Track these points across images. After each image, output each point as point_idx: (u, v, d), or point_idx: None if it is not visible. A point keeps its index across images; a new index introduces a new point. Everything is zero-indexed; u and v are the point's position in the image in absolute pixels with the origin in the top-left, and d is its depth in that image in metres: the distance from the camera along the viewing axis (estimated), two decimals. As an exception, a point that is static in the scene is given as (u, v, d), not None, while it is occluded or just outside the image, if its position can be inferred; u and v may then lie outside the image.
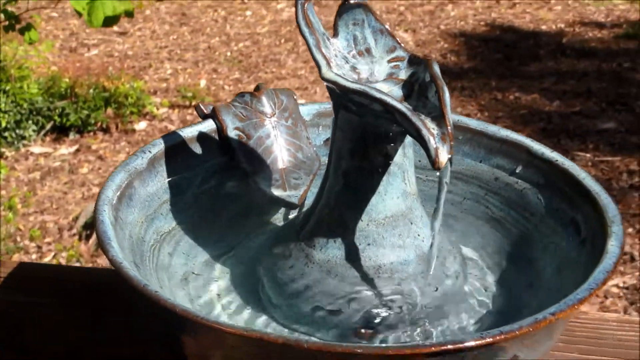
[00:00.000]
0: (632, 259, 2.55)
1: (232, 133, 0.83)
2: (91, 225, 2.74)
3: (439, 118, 0.65)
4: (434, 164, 0.64)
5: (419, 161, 0.86)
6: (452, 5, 4.33)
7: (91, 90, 3.36)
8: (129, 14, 2.42)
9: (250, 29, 4.10)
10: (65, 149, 3.13)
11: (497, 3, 4.35)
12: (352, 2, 0.72)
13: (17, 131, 3.25)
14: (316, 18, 0.71)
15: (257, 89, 0.85)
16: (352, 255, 0.73)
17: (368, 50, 0.73)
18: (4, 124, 3.21)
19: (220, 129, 0.83)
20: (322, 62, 0.68)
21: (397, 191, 0.73)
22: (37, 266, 1.23)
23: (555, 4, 4.33)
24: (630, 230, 2.64)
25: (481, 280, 0.80)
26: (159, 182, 0.80)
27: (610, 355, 0.82)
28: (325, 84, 0.69)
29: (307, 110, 0.89)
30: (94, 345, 0.83)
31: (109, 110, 3.29)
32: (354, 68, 0.72)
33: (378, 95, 0.66)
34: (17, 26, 2.55)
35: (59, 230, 2.67)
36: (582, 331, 0.85)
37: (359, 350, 0.60)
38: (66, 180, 2.93)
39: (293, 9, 4.32)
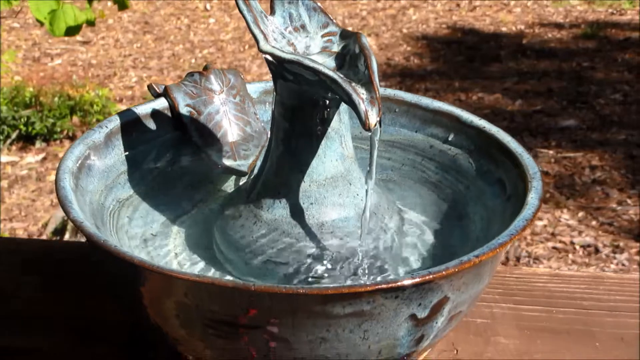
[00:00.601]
0: (597, 250, 2.63)
1: (183, 110, 0.90)
2: (61, 231, 2.80)
3: (368, 84, 0.73)
4: (364, 124, 0.71)
5: (360, 132, 0.94)
6: (414, 9, 4.42)
7: (56, 99, 3.42)
8: (91, 23, 2.49)
9: (214, 36, 4.17)
10: (32, 157, 3.19)
11: (457, 6, 4.44)
12: (286, -18, 0.80)
13: (-17, 140, 3.30)
14: (254, -4, 0.78)
15: (205, 68, 0.92)
16: (297, 214, 0.80)
17: (303, 27, 0.81)
18: (-31, 134, 3.26)
19: (173, 106, 0.90)
20: (260, 37, 0.76)
21: (335, 154, 0.81)
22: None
23: (514, 6, 4.43)
24: (593, 223, 2.73)
25: (419, 236, 0.88)
26: (116, 155, 0.87)
27: (542, 305, 0.90)
28: (263, 56, 0.77)
29: (254, 88, 0.96)
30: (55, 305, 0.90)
31: (75, 119, 3.35)
32: (290, 42, 0.80)
33: (311, 64, 0.73)
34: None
35: (29, 237, 2.73)
36: (517, 284, 0.93)
37: (301, 291, 0.67)
38: (34, 188, 2.99)
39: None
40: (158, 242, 0.85)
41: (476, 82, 3.68)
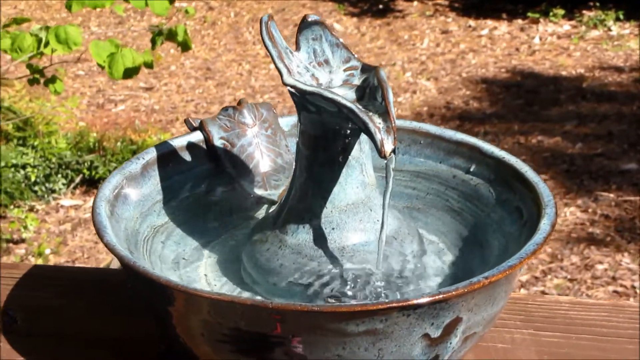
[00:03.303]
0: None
1: (217, 142, 0.96)
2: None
3: (385, 114, 0.78)
4: (380, 152, 0.76)
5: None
6: (473, 53, 4.46)
7: (119, 144, 3.51)
8: (148, 66, 2.57)
9: (274, 81, 4.25)
10: (94, 201, 3.26)
11: (516, 51, 4.47)
12: (309, 19, 0.86)
13: (47, 185, 3.39)
14: (278, 34, 0.84)
15: (239, 103, 0.98)
16: (319, 239, 0.85)
17: (327, 61, 0.86)
18: (33, 178, 3.35)
19: (207, 139, 0.96)
20: (284, 70, 0.81)
21: (356, 182, 0.86)
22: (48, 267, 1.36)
23: (574, 50, 4.45)
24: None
25: (440, 260, 0.92)
26: (152, 185, 0.93)
27: (563, 332, 0.93)
28: (287, 88, 0.82)
29: (285, 122, 1.02)
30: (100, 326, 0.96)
31: (137, 163, 3.43)
32: (314, 76, 0.85)
33: (330, 95, 0.78)
34: (42, 79, 2.71)
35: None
36: (539, 311, 0.96)
37: (315, 308, 0.72)
38: (95, 230, 3.06)
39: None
40: (189, 266, 0.91)
41: (535, 125, 3.70)
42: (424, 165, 0.98)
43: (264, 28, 0.83)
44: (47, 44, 2.51)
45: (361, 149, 0.85)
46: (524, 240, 0.83)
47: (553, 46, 4.50)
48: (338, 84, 0.85)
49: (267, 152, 0.97)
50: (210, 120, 0.96)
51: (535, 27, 4.72)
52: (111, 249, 0.79)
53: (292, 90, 0.81)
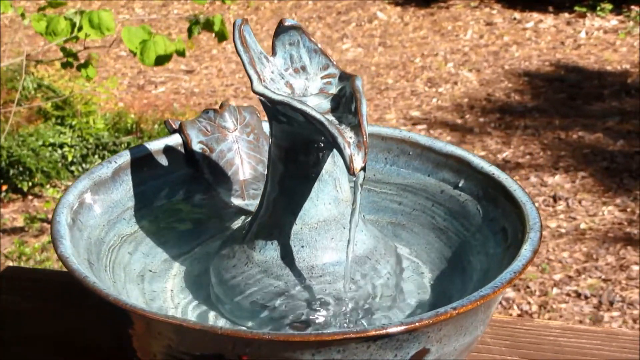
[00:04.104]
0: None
1: (196, 147, 0.90)
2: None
3: (357, 128, 0.72)
4: (348, 169, 0.71)
5: (374, 175, 0.93)
6: (517, 46, 4.38)
7: (156, 126, 3.48)
8: (180, 54, 2.53)
9: (315, 68, 4.19)
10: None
11: (561, 44, 4.38)
12: (287, 24, 0.80)
13: (84, 165, 3.38)
14: (253, 38, 0.78)
15: (221, 106, 0.92)
16: (287, 257, 0.80)
17: (303, 68, 0.80)
18: (70, 158, 3.34)
19: (186, 143, 0.90)
20: (254, 77, 0.76)
21: (328, 197, 0.80)
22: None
23: (620, 46, 4.35)
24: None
25: (418, 283, 0.86)
26: (124, 191, 0.88)
27: (550, 359, 0.88)
28: (257, 97, 0.77)
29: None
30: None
31: (173, 146, 3.41)
32: (288, 83, 0.79)
33: (298, 105, 0.73)
34: (75, 63, 2.68)
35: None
36: (526, 337, 0.91)
37: (266, 337, 0.67)
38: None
39: (358, 49, 4.41)
40: (156, 279, 0.85)
41: (577, 120, 3.62)
42: (412, 178, 0.92)
43: (236, 32, 0.78)
44: (80, 28, 2.49)
45: (335, 163, 0.80)
46: (506, 264, 0.77)
47: (599, 41, 4.40)
48: (314, 92, 0.79)
49: (248, 158, 0.92)
50: (190, 122, 0.91)
51: (581, 21, 4.61)
52: (64, 261, 0.74)
53: (262, 98, 0.76)
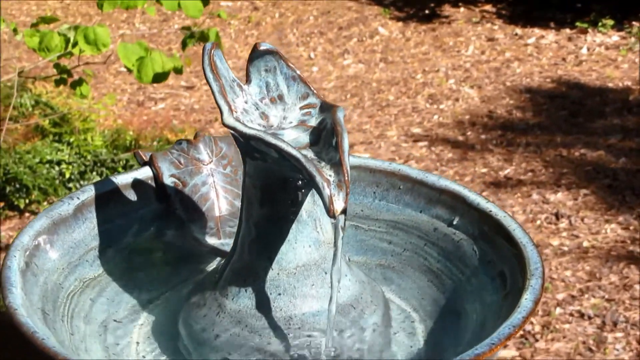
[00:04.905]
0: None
1: (167, 180, 0.82)
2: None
3: (337, 165, 0.64)
4: (328, 211, 0.62)
5: (361, 210, 0.84)
6: (518, 62, 4.28)
7: (155, 143, 3.40)
8: (178, 71, 2.45)
9: (316, 84, 4.11)
10: (125, 200, 3.16)
11: (563, 61, 4.29)
12: (262, 48, 0.71)
13: (82, 182, 3.29)
14: (225, 64, 0.70)
15: (195, 136, 0.84)
16: (263, 305, 0.71)
17: (281, 97, 0.72)
18: (68, 175, 3.25)
19: (157, 176, 0.82)
20: (225, 108, 0.67)
21: (307, 240, 0.71)
22: None
23: (622, 62, 4.26)
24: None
25: (409, 334, 0.77)
26: (87, 229, 0.79)
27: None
28: (229, 131, 0.68)
29: (249, 159, 0.87)
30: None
31: (171, 163, 3.32)
32: (264, 115, 0.70)
33: (272, 140, 0.64)
34: (70, 80, 2.60)
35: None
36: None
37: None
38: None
39: (359, 65, 4.33)
40: (120, 330, 0.76)
41: (579, 137, 3.53)
42: (403, 214, 0.83)
43: (206, 57, 0.69)
44: (75, 44, 2.41)
45: (315, 202, 0.71)
46: (504, 314, 0.68)
47: (601, 57, 4.31)
48: (292, 124, 0.70)
49: (224, 193, 0.83)
50: (161, 155, 0.82)
51: (583, 37, 4.52)
52: (11, 313, 0.65)
53: (233, 132, 0.67)
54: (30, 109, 3.53)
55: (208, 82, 0.68)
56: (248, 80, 0.72)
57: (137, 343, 0.75)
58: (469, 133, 3.58)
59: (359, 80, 4.14)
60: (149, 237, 0.82)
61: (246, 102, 0.70)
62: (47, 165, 3.24)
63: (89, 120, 3.44)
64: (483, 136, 3.57)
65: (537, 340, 2.40)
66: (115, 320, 0.77)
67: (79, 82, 2.57)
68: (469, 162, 3.33)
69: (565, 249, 2.84)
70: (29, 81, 3.58)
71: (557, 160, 3.35)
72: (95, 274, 0.78)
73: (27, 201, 3.20)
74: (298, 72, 0.72)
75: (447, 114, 3.76)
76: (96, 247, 0.79)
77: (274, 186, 0.69)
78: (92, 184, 0.80)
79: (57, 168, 3.24)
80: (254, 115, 0.70)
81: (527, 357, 2.32)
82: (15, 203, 3.17)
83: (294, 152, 0.63)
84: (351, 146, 3.48)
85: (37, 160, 3.22)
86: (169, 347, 0.75)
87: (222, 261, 0.76)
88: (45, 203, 3.16)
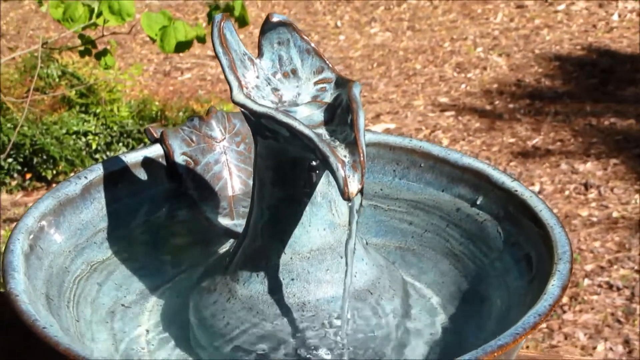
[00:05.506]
0: None
1: (179, 158, 0.78)
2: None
3: (353, 145, 0.60)
4: (342, 193, 0.58)
5: (380, 189, 0.80)
6: (548, 29, 4.21)
7: (180, 113, 3.37)
8: (201, 40, 2.41)
9: (343, 53, 4.06)
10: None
11: (593, 27, 4.21)
12: (274, 20, 0.67)
13: (108, 153, 3.27)
14: (235, 37, 0.66)
15: (208, 112, 0.80)
16: (275, 291, 0.67)
17: (294, 72, 0.68)
18: (94, 146, 3.24)
19: (168, 154, 0.78)
20: (234, 84, 0.63)
21: (322, 222, 0.67)
22: None
23: (654, 27, 4.18)
24: None
25: (430, 321, 0.73)
26: (95, 210, 0.75)
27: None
28: (239, 108, 0.64)
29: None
30: None
31: (197, 133, 3.29)
32: (276, 90, 0.66)
33: (284, 118, 0.60)
34: (94, 51, 2.57)
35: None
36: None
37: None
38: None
39: (386, 34, 4.28)
40: (129, 316, 0.72)
41: (609, 106, 3.47)
42: (424, 193, 0.79)
43: (215, 30, 0.65)
44: (99, 14, 2.38)
45: (329, 183, 0.67)
46: (530, 301, 0.64)
47: (632, 23, 4.22)
48: (306, 100, 0.66)
49: (238, 171, 0.79)
50: (173, 131, 0.79)
51: (614, 3, 4.44)
52: (12, 300, 0.62)
53: (243, 110, 0.63)
54: (57, 80, 3.51)
55: (217, 56, 0.64)
56: (260, 54, 0.68)
57: (147, 331, 0.72)
58: (496, 102, 3.53)
59: (386, 49, 4.08)
60: (160, 218, 0.78)
61: (257, 77, 0.66)
62: (74, 136, 3.23)
63: (115, 90, 3.41)
64: (511, 105, 3.51)
65: (564, 312, 2.36)
66: (123, 305, 0.73)
67: (103, 53, 2.55)
68: (497, 131, 3.28)
69: (594, 219, 2.79)
70: (56, 52, 3.56)
71: (586, 129, 3.29)
72: (104, 257, 0.74)
73: (54, 172, 3.19)
74: (313, 44, 0.67)
75: (475, 82, 3.70)
76: (104, 229, 0.75)
77: (287, 167, 0.66)
78: (101, 163, 0.77)
79: (83, 139, 3.23)
80: (266, 91, 0.66)
81: (555, 328, 2.28)
82: (43, 174, 3.16)
83: (307, 131, 0.59)
84: (377, 116, 3.44)
85: (63, 131, 3.21)
86: (178, 335, 0.71)
87: (234, 244, 0.73)
88: (72, 174, 3.14)
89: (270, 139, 0.64)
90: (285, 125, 0.60)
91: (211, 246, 0.79)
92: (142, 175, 0.78)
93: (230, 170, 0.78)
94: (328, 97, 0.65)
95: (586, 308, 2.47)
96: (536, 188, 2.87)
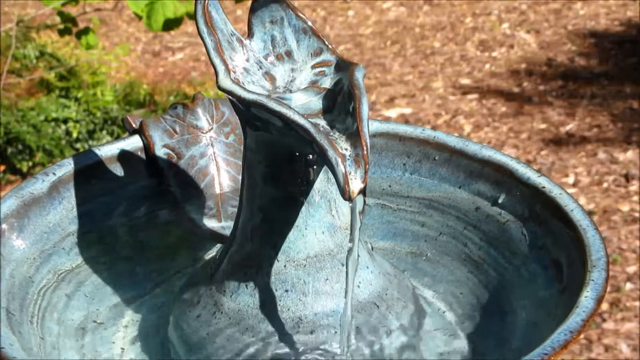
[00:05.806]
0: None
1: (160, 151, 0.77)
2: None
3: (355, 136, 0.58)
4: (343, 193, 0.57)
5: (389, 186, 0.79)
6: (582, 3, 4.20)
7: (171, 98, 3.37)
8: (191, 16, 2.41)
9: (352, 30, 4.06)
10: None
11: (633, 1, 4.20)
12: (266, -5, 0.66)
13: (90, 142, 3.27)
14: (222, 15, 0.65)
15: (193, 99, 0.79)
16: (267, 304, 0.66)
17: (289, 54, 0.66)
18: (75, 135, 3.23)
19: (148, 147, 0.77)
20: (220, 68, 0.62)
21: (320, 225, 0.66)
22: None
23: (702, 0, 4.18)
24: None
25: (444, 339, 0.72)
26: (64, 210, 0.74)
27: None
28: (226, 95, 0.62)
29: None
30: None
31: (189, 120, 3.30)
32: (269, 75, 0.65)
33: (277, 107, 0.59)
34: (75, 29, 2.57)
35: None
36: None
37: None
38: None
39: (400, 9, 4.27)
40: (101, 333, 0.71)
41: (651, 88, 3.47)
42: (438, 190, 0.78)
43: (199, 8, 0.64)
44: (81, -11, 2.38)
45: (329, 180, 0.65)
46: (560, 315, 0.63)
47: (677, -5, 4.23)
48: (302, 85, 0.65)
49: (226, 166, 0.78)
50: (153, 121, 0.78)
51: (656, -28, 4.44)
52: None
53: (231, 97, 0.62)
54: (34, 61, 3.51)
55: (201, 37, 0.63)
56: (250, 34, 0.67)
57: (122, 349, 0.71)
58: (525, 84, 3.52)
59: (401, 26, 4.08)
60: (138, 220, 0.77)
61: (247, 60, 0.65)
62: (53, 124, 3.22)
63: (99, 72, 3.41)
64: (541, 87, 3.51)
65: (604, 320, 2.34)
66: (95, 322, 0.72)
67: (85, 31, 2.55)
68: (526, 116, 3.27)
69: (637, 215, 2.78)
70: (33, 30, 3.55)
71: (626, 113, 3.29)
72: (73, 265, 0.73)
73: (30, 164, 3.19)
74: (310, 23, 0.66)
75: (501, 62, 3.70)
76: (75, 232, 0.74)
77: (280, 162, 0.64)
78: (71, 157, 0.76)
79: (63, 126, 3.22)
80: (257, 76, 0.64)
81: (594, 339, 2.27)
82: (18, 166, 3.15)
83: (302, 121, 0.58)
84: (391, 99, 3.43)
85: (41, 118, 3.20)
86: (159, 353, 0.70)
87: (220, 249, 0.71)
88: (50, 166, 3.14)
89: (261, 130, 0.63)
90: (278, 114, 0.59)
91: (195, 252, 0.79)
92: (118, 170, 0.77)
93: (218, 164, 0.78)
94: (327, 83, 0.64)
95: (629, 316, 2.45)
96: (570, 180, 2.86)
